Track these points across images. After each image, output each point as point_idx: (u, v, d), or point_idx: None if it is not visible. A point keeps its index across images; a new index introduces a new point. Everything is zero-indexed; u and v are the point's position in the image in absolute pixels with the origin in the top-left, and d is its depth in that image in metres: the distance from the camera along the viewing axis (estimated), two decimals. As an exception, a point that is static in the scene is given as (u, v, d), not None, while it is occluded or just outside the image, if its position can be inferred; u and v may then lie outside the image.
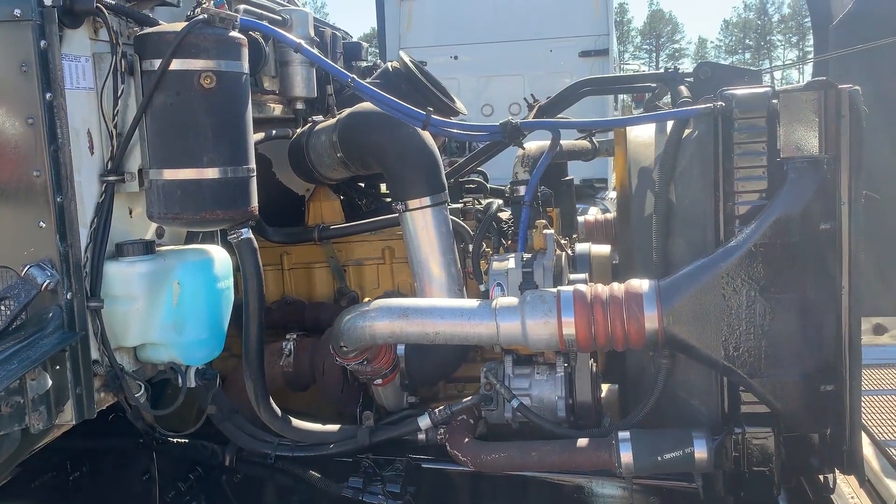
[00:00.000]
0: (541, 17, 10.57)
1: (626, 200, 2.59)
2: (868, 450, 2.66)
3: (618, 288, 2.25)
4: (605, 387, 2.87)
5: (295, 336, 2.92)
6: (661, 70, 3.18)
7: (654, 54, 65.57)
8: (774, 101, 2.21)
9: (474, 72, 10.79)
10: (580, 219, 3.97)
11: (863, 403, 2.91)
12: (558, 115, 3.49)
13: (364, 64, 3.93)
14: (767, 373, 2.16)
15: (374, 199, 3.66)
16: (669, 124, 2.44)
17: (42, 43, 1.92)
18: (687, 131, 2.41)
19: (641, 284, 2.22)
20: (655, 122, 2.55)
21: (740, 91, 2.27)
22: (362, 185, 3.62)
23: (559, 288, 2.29)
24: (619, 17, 63.46)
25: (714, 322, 2.15)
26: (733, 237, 2.21)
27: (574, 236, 3.70)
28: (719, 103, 2.26)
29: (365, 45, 4.07)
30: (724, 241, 2.25)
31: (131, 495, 2.83)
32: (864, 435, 2.67)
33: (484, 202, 3.09)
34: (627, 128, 2.66)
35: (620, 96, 11.71)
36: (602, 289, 2.26)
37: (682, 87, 2.93)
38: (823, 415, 2.23)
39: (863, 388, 3.06)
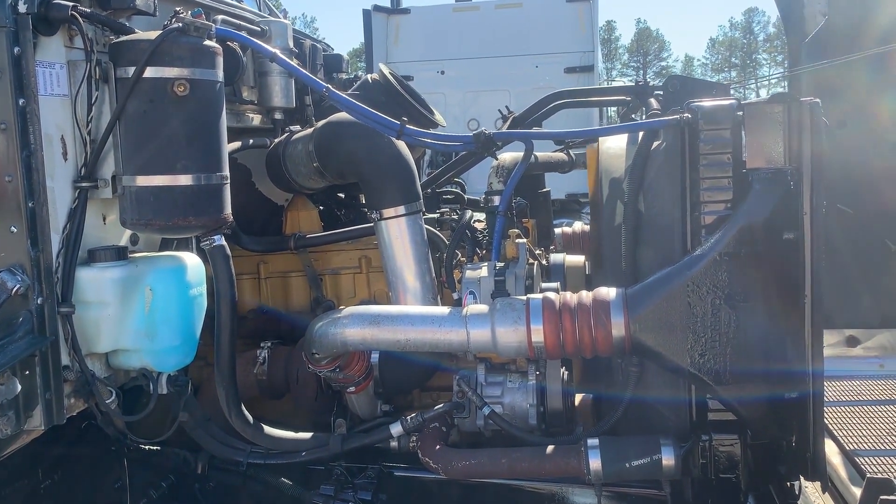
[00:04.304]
0: (527, 34, 10.70)
1: (597, 210, 2.63)
2: (837, 458, 2.69)
3: (586, 296, 2.28)
4: (578, 396, 2.90)
5: (269, 344, 2.93)
6: (633, 83, 3.24)
7: (642, 71, 66.16)
8: (739, 113, 2.26)
9: (461, 87, 10.90)
10: (558, 230, 4.01)
11: (834, 414, 2.96)
12: (534, 127, 3.53)
13: (344, 76, 3.97)
14: (733, 380, 2.19)
15: (353, 209, 3.69)
16: (640, 135, 2.49)
17: (16, 49, 1.95)
18: (656, 143, 2.45)
19: (609, 292, 2.25)
20: (624, 133, 2.60)
21: (706, 103, 2.32)
22: (341, 195, 3.65)
23: (528, 296, 2.32)
24: (606, 34, 64.11)
25: (680, 330, 2.18)
26: (699, 246, 2.24)
27: (552, 247, 3.74)
28: (686, 115, 2.31)
29: (346, 57, 4.11)
30: (690, 249, 2.29)
31: (103, 503, 2.82)
32: (834, 445, 2.71)
33: (460, 212, 3.12)
34: (600, 139, 2.70)
35: (606, 111, 11.83)
36: (571, 297, 2.29)
37: (652, 100, 2.98)
38: (788, 422, 2.26)
39: (836, 400, 3.12)
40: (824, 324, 2.22)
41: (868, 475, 2.38)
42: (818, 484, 2.33)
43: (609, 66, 65.22)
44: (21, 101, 1.96)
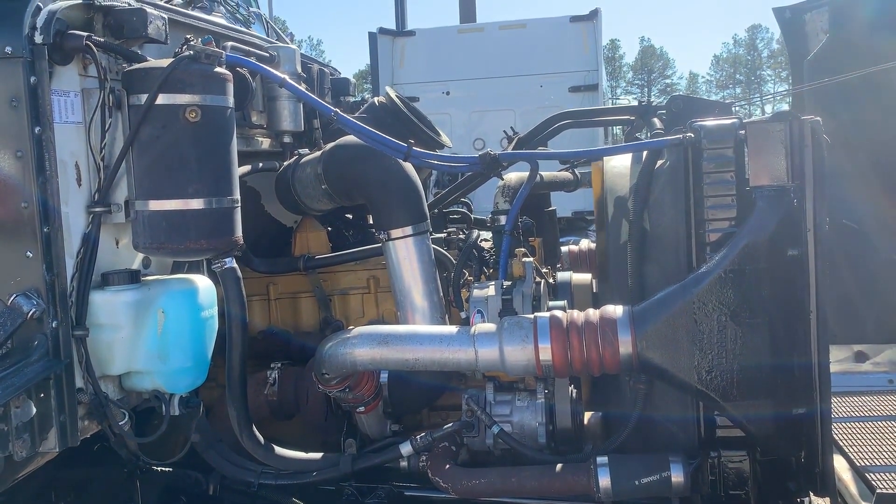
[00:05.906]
0: (531, 54, 10.79)
1: (602, 228, 2.66)
2: (847, 474, 2.68)
3: (593, 314, 2.30)
4: (587, 414, 2.90)
5: (279, 365, 2.95)
6: (636, 103, 3.28)
7: (646, 89, 66.34)
8: (741, 131, 2.29)
9: (466, 107, 10.98)
10: (564, 249, 4.03)
11: (845, 430, 2.95)
12: (539, 147, 3.57)
13: (352, 99, 4.02)
14: (740, 397, 2.20)
15: (361, 230, 3.72)
16: (644, 155, 2.52)
17: (32, 79, 1.99)
18: (660, 162, 2.48)
19: (616, 310, 2.27)
20: (628, 152, 2.63)
21: (709, 122, 2.35)
22: (349, 216, 3.69)
23: (536, 314, 2.34)
24: (610, 52, 64.35)
25: (686, 346, 2.20)
26: (705, 263, 2.26)
27: (558, 265, 3.76)
28: (689, 134, 2.34)
29: (353, 81, 4.17)
30: (695, 267, 2.31)
31: (115, 525, 2.83)
32: (844, 460, 2.70)
33: (467, 232, 3.15)
34: (604, 158, 2.74)
35: (612, 130, 11.90)
36: (578, 315, 2.31)
37: (656, 120, 3.02)
38: (797, 438, 2.26)
39: (846, 416, 3.12)
40: (831, 339, 2.24)
41: (878, 491, 2.38)
42: (828, 500, 2.33)
43: (613, 84, 65.49)
44: (37, 129, 2.00)
